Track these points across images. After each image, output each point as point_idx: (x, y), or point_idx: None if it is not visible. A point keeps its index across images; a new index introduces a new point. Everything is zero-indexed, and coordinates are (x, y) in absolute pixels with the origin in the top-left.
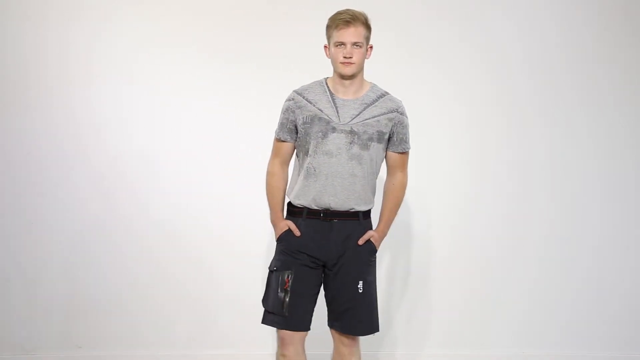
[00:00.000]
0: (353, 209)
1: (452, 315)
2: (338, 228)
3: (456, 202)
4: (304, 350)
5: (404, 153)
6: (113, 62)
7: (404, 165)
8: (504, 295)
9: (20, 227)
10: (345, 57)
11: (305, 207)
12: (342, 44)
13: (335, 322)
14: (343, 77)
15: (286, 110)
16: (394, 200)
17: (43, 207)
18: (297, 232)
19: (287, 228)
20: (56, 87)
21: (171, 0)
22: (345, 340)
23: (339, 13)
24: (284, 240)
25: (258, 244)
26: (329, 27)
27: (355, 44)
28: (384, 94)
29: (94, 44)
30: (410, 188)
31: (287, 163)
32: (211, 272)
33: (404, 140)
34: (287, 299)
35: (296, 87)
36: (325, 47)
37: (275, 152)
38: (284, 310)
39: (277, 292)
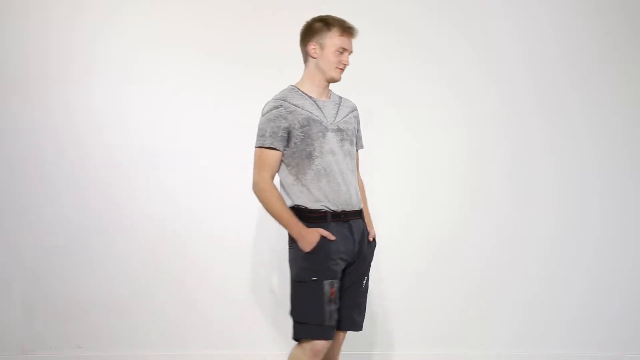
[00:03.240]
0: (359, 207)
1: (452, 315)
2: (355, 228)
3: (456, 201)
4: None
5: (357, 151)
6: (113, 62)
7: (358, 164)
8: (504, 295)
9: (20, 227)
10: (344, 64)
11: (328, 211)
12: (345, 50)
13: (342, 320)
14: (329, 81)
15: (276, 118)
16: (364, 198)
17: (43, 206)
18: (332, 237)
19: (319, 237)
20: (56, 87)
21: (171, 0)
22: (341, 336)
23: (342, 20)
24: (321, 249)
25: (259, 244)
26: (328, 29)
27: (350, 53)
28: (340, 96)
29: (94, 44)
30: (412, 187)
31: (274, 177)
32: (211, 272)
33: (360, 138)
34: (334, 309)
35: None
36: (312, 45)
37: (262, 165)
38: (331, 321)
39: (324, 304)
